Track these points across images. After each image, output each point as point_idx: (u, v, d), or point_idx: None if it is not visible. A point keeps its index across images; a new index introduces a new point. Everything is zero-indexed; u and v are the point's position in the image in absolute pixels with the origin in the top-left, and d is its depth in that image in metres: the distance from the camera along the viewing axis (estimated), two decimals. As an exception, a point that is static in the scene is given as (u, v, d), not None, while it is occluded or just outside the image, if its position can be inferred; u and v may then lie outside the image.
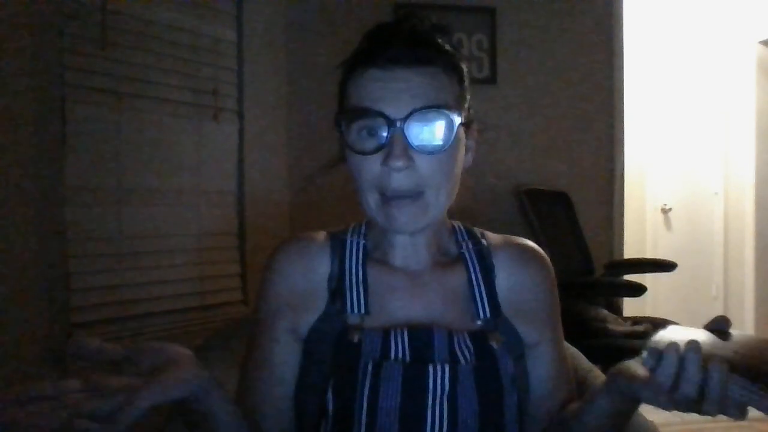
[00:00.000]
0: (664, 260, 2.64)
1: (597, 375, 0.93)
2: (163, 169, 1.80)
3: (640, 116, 3.95)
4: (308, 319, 0.74)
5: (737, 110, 3.68)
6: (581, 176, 2.64)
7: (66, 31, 1.56)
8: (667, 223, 4.14)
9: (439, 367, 0.68)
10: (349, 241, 0.79)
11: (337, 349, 0.70)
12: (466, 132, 0.75)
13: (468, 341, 0.71)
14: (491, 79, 2.47)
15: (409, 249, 0.77)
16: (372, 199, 0.71)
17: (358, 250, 0.78)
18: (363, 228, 0.81)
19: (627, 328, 2.21)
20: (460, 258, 0.79)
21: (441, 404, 0.67)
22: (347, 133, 0.70)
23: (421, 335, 0.70)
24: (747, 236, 3.65)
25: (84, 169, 1.61)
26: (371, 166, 0.69)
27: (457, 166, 0.73)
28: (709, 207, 3.85)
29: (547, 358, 0.79)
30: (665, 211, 4.13)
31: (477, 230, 0.84)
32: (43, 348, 1.49)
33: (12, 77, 1.45)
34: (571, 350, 0.94)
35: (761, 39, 3.56)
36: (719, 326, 0.61)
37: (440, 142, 0.69)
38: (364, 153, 0.69)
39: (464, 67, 0.74)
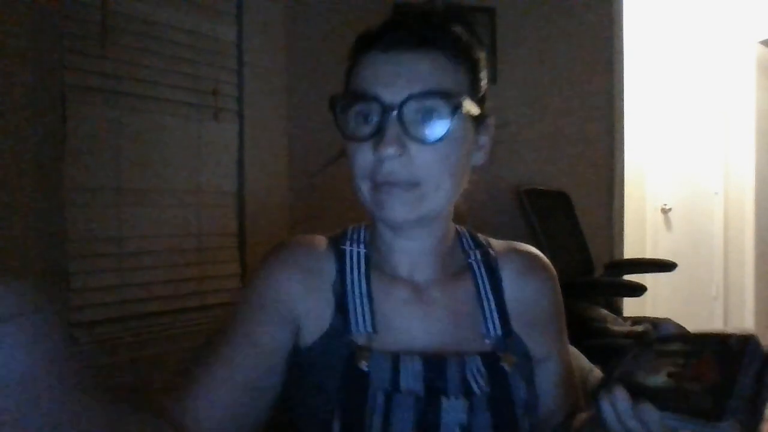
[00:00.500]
0: (664, 260, 2.64)
1: (597, 375, 0.93)
2: (163, 169, 1.80)
3: (640, 116, 3.95)
4: (314, 325, 0.68)
5: (737, 110, 3.68)
6: (581, 176, 2.65)
7: (66, 31, 1.56)
8: (667, 223, 4.14)
9: (454, 400, 0.64)
10: (348, 250, 0.72)
11: (344, 376, 0.64)
12: (479, 127, 0.70)
13: (480, 365, 0.67)
14: (491, 79, 2.45)
15: (412, 255, 0.72)
16: (365, 187, 0.67)
17: (359, 259, 0.72)
18: (362, 234, 0.75)
19: (627, 328, 2.21)
20: (468, 268, 0.75)
21: None
22: (343, 119, 0.66)
23: (434, 365, 0.65)
24: (747, 236, 3.66)
25: (84, 169, 1.61)
26: (364, 154, 0.65)
27: (460, 160, 0.67)
28: (709, 207, 3.85)
29: (556, 372, 0.76)
30: (665, 211, 4.13)
31: (482, 237, 0.79)
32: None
33: (12, 77, 1.45)
34: (572, 350, 0.94)
35: (761, 39, 3.56)
36: (665, 331, 0.61)
37: (439, 132, 0.63)
38: (356, 139, 0.65)
39: (479, 56, 0.69)
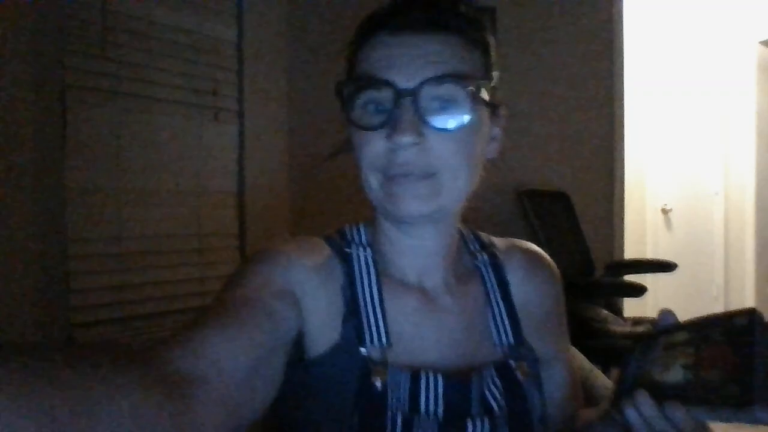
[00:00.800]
0: (665, 261, 2.64)
1: (597, 375, 0.93)
2: (163, 170, 1.80)
3: (640, 117, 3.95)
4: (322, 332, 0.61)
5: (737, 110, 3.68)
6: (581, 176, 2.64)
7: (66, 31, 1.56)
8: (667, 223, 4.14)
9: (479, 422, 0.60)
10: (355, 254, 0.66)
11: (358, 395, 0.58)
12: (492, 116, 0.65)
13: (495, 378, 0.63)
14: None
15: (421, 257, 0.67)
16: (375, 180, 0.61)
17: (367, 264, 0.66)
18: (363, 235, 0.69)
19: (627, 328, 2.21)
20: (475, 271, 0.71)
21: None
22: (350, 106, 0.60)
23: (457, 385, 0.61)
24: (747, 236, 3.66)
25: (84, 170, 1.61)
26: (375, 144, 0.59)
27: (477, 149, 0.62)
28: (709, 207, 3.85)
29: (561, 374, 0.74)
30: (665, 212, 4.13)
31: (484, 236, 0.76)
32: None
33: (12, 78, 1.45)
34: (572, 351, 0.94)
35: (761, 39, 3.56)
36: (665, 321, 0.60)
37: (458, 119, 0.58)
38: (367, 128, 0.59)
39: (490, 40, 0.64)
